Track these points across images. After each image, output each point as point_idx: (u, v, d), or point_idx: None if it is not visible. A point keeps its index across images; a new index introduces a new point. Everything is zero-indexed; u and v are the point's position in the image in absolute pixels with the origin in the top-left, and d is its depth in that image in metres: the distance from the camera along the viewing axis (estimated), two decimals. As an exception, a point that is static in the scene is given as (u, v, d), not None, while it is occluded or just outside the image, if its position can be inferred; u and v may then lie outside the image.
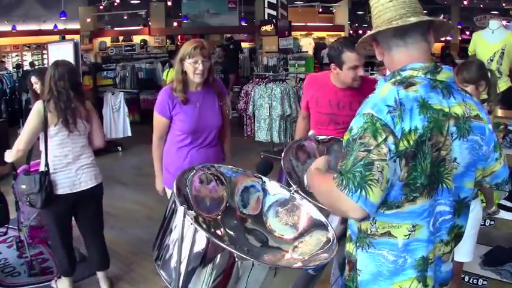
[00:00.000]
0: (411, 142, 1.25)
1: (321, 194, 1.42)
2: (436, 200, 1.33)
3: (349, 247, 1.48)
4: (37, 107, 2.82)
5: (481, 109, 1.40)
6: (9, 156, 2.87)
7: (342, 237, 1.70)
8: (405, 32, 1.36)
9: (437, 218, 1.35)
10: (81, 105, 2.94)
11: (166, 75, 6.65)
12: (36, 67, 11.35)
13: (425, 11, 1.40)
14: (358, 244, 1.40)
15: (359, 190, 1.23)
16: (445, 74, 1.35)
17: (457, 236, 1.43)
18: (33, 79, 3.69)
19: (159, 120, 2.73)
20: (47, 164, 2.84)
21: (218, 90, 2.77)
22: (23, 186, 2.83)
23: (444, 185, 1.33)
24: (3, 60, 14.28)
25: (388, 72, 1.45)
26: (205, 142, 2.75)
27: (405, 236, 1.32)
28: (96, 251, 3.17)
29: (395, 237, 1.33)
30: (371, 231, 1.36)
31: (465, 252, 2.43)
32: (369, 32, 1.41)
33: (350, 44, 2.51)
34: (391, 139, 1.24)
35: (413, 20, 1.32)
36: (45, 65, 9.62)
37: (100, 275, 3.22)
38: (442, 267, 1.41)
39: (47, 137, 2.83)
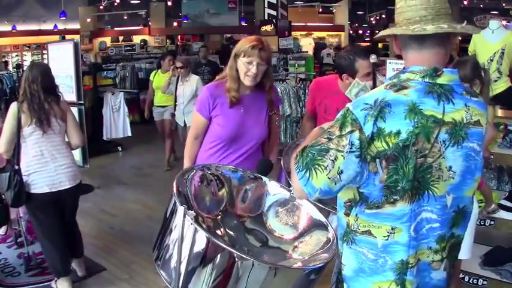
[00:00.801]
0: (391, 144, 1.24)
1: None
2: (420, 206, 1.30)
3: (339, 242, 1.50)
4: (12, 108, 2.95)
5: (485, 111, 1.37)
6: None
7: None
8: (422, 38, 1.31)
9: (423, 224, 1.32)
10: (56, 105, 3.05)
11: (154, 77, 6.34)
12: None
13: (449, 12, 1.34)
14: (344, 239, 1.42)
15: (304, 170, 1.29)
16: (447, 77, 1.31)
17: (454, 244, 1.41)
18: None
19: (196, 118, 2.43)
20: (18, 163, 2.95)
21: (271, 98, 2.42)
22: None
23: (430, 192, 1.30)
24: (6, 60, 14.27)
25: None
26: (242, 154, 2.39)
27: (384, 237, 1.33)
28: (75, 240, 3.31)
29: (375, 237, 1.34)
30: (353, 228, 1.38)
31: (463, 250, 2.43)
32: (388, 30, 1.40)
33: (360, 52, 2.51)
34: (356, 134, 1.26)
35: (429, 30, 1.27)
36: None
37: (77, 263, 3.36)
38: (432, 274, 1.39)
39: (20, 137, 2.94)
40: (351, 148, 1.25)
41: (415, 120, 1.24)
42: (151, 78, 6.44)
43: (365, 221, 1.35)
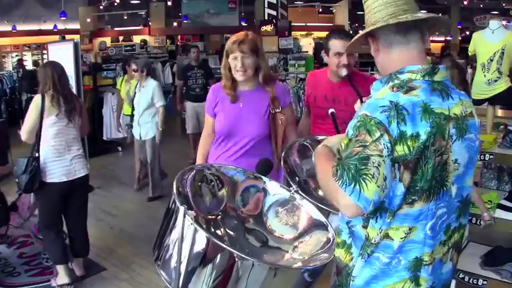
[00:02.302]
0: (412, 149, 1.22)
1: (320, 178, 1.38)
2: (437, 204, 1.31)
3: (341, 253, 1.44)
4: (36, 100, 3.14)
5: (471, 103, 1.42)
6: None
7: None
8: (408, 30, 1.33)
9: (437, 221, 1.33)
10: (76, 100, 3.34)
11: (120, 84, 5.98)
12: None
13: (424, 11, 1.40)
14: (361, 252, 1.36)
15: (353, 184, 1.19)
16: (442, 73, 1.34)
17: (460, 235, 1.42)
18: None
19: (206, 117, 2.58)
20: (38, 151, 3.10)
21: (273, 95, 2.42)
22: (15, 168, 3.14)
23: (445, 188, 1.31)
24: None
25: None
26: (241, 148, 2.43)
27: (401, 238, 1.30)
28: (81, 240, 3.40)
29: (392, 239, 1.31)
30: (375, 241, 1.33)
31: None
32: (371, 26, 1.36)
33: (337, 33, 2.65)
34: (386, 137, 1.20)
35: (421, 15, 1.29)
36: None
37: (77, 261, 3.41)
38: (443, 269, 1.40)
39: (42, 128, 3.12)
40: (388, 152, 1.20)
41: (430, 121, 1.25)
42: (118, 86, 6.19)
43: (385, 230, 1.31)
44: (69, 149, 3.21)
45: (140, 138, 5.12)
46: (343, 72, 2.62)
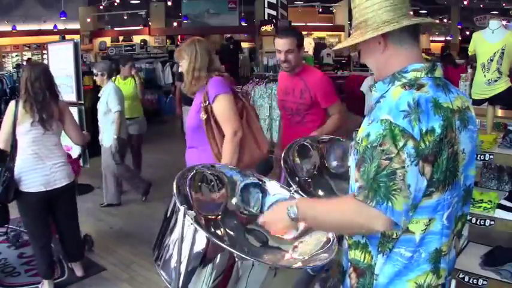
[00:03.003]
0: (428, 143, 1.27)
1: (333, 217, 1.38)
2: (452, 194, 1.36)
3: (356, 254, 1.45)
4: (9, 106, 3.00)
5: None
6: None
7: (342, 238, 1.70)
8: (416, 31, 1.40)
9: (452, 210, 1.38)
10: (55, 104, 3.07)
11: None
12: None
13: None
14: (380, 249, 1.39)
15: (385, 201, 1.24)
16: (439, 70, 1.39)
17: (463, 223, 1.47)
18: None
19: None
20: (12, 160, 2.97)
21: (206, 91, 2.59)
22: None
23: (456, 178, 1.36)
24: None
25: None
26: (187, 143, 2.73)
27: (422, 230, 1.34)
28: (73, 245, 3.35)
29: (413, 232, 1.34)
30: (397, 235, 1.35)
31: None
32: (387, 25, 1.36)
33: (281, 32, 2.96)
34: (410, 143, 1.25)
35: (429, 19, 1.39)
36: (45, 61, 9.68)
37: (75, 264, 3.38)
38: (452, 257, 1.45)
39: (16, 136, 2.96)
40: (410, 159, 1.25)
41: (442, 115, 1.29)
42: None
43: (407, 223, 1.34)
44: (49, 157, 3.03)
45: (102, 145, 4.89)
46: (284, 67, 2.97)
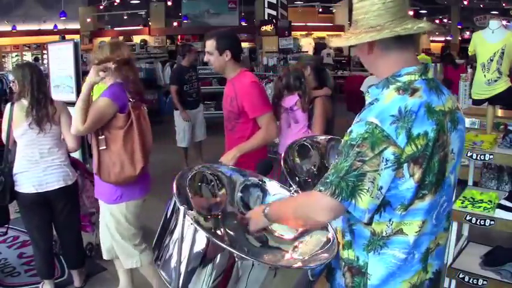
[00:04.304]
0: (420, 146, 1.28)
1: (297, 212, 1.45)
2: (441, 195, 1.39)
3: (350, 254, 1.47)
4: (5, 110, 3.00)
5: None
6: None
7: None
8: (406, 38, 1.35)
9: (440, 209, 1.41)
10: (50, 105, 3.01)
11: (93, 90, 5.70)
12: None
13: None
14: (369, 248, 1.41)
15: (350, 198, 1.28)
16: (431, 71, 1.40)
17: (449, 219, 1.52)
18: (11, 77, 3.70)
19: None
20: (7, 161, 2.96)
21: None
22: None
23: (445, 178, 1.39)
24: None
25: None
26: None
27: (416, 232, 1.36)
28: (73, 251, 3.25)
29: (407, 234, 1.37)
30: (386, 233, 1.38)
31: None
32: (375, 33, 1.34)
33: (209, 32, 2.90)
34: (390, 150, 1.26)
35: (426, 27, 1.33)
36: (45, 65, 9.68)
37: (74, 272, 3.30)
38: (438, 250, 1.47)
39: (14, 138, 2.96)
40: (386, 164, 1.27)
41: (434, 119, 1.31)
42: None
43: (397, 222, 1.37)
44: (43, 159, 2.97)
45: None
46: (215, 70, 2.93)
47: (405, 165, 1.29)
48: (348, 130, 1.35)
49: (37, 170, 2.95)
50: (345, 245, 1.49)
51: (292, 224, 1.57)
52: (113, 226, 2.78)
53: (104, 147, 2.61)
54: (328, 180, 1.31)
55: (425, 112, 1.30)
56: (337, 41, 1.51)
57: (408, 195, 1.33)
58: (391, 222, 1.37)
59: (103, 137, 2.61)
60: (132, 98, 2.64)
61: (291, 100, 3.47)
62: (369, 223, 1.39)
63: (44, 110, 2.95)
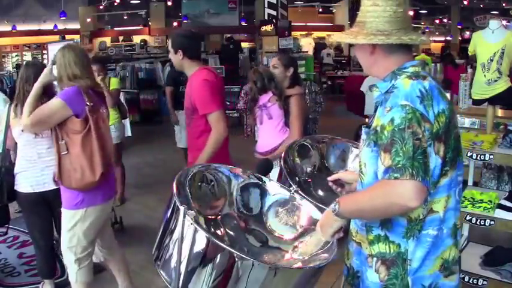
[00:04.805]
0: (441, 124, 1.37)
1: (375, 204, 1.39)
2: (458, 172, 1.47)
3: (381, 247, 1.48)
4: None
5: None
6: None
7: (342, 237, 1.69)
8: (408, 45, 1.50)
9: (461, 186, 1.50)
10: None
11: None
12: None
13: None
14: (408, 234, 1.44)
15: (425, 176, 1.32)
16: (428, 68, 1.58)
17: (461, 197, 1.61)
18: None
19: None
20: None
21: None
22: None
23: (460, 157, 1.48)
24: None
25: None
26: None
27: (444, 208, 1.44)
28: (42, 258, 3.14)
29: (437, 211, 1.44)
30: (423, 215, 1.43)
31: None
32: (382, 37, 1.44)
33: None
34: (427, 126, 1.34)
35: (426, 40, 1.51)
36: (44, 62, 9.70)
37: (47, 282, 3.21)
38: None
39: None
40: (428, 141, 1.34)
41: (446, 100, 1.43)
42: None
43: (430, 202, 1.43)
44: (42, 159, 2.92)
45: None
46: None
47: (432, 142, 1.36)
48: (384, 121, 1.37)
49: (35, 170, 2.94)
50: (374, 239, 1.49)
51: (368, 217, 1.50)
52: (65, 230, 2.70)
53: (66, 152, 2.56)
54: (400, 165, 1.30)
55: (439, 93, 1.41)
56: (343, 37, 1.55)
57: (436, 173, 1.39)
58: (425, 204, 1.41)
59: (63, 141, 2.57)
60: (90, 102, 2.57)
61: (264, 98, 3.49)
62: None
63: None
